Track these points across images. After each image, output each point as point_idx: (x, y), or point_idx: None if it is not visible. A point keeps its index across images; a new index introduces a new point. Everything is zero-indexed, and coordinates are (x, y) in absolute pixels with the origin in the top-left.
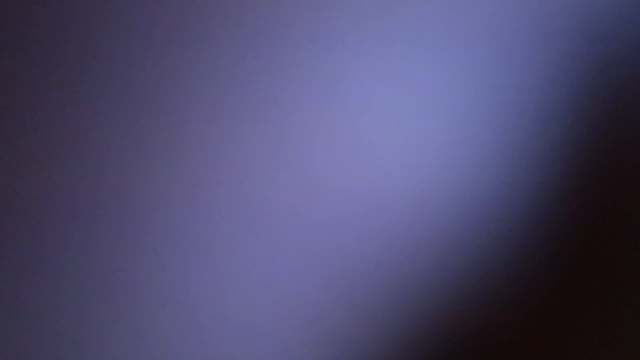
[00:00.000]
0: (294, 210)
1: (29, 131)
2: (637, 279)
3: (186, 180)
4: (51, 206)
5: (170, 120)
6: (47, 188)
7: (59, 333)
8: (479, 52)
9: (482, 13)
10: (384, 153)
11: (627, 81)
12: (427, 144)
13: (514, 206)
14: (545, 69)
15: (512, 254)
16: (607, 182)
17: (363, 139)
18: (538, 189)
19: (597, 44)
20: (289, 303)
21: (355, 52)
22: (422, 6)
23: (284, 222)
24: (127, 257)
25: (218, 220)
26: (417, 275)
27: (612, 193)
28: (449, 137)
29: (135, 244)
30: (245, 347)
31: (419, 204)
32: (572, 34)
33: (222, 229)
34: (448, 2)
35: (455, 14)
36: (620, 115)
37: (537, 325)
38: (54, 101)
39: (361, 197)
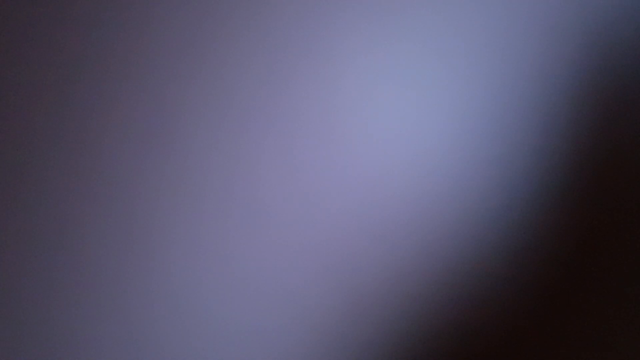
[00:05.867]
0: (294, 211)
1: (31, 132)
2: (637, 278)
3: (187, 183)
4: (51, 207)
5: (171, 122)
6: (47, 189)
7: (56, 333)
8: (479, 51)
9: (483, 13)
10: (385, 153)
11: (626, 81)
12: (427, 144)
13: (514, 205)
14: (545, 69)
15: (512, 253)
16: (606, 182)
17: (364, 139)
18: (537, 188)
19: (597, 44)
20: (289, 303)
21: (357, 53)
22: (423, 6)
23: (285, 223)
24: (128, 258)
25: (219, 221)
26: (418, 275)
27: (611, 193)
28: (449, 136)
29: (136, 246)
30: (246, 348)
31: (420, 204)
32: (572, 34)
33: (223, 230)
34: (448, 3)
35: (455, 14)
36: (620, 116)
37: (537, 324)
38: (57, 102)
39: (363, 197)
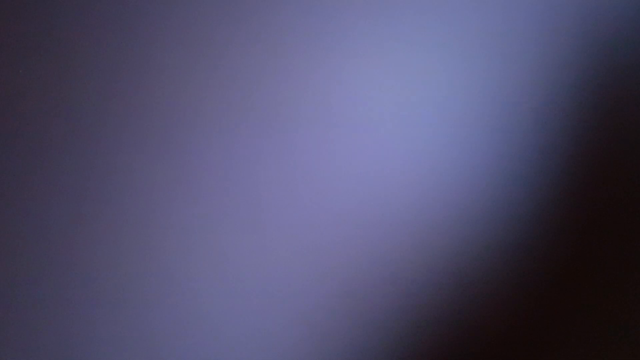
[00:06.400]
0: (294, 210)
1: (29, 131)
2: (637, 278)
3: (187, 181)
4: (52, 206)
5: (169, 121)
6: (48, 188)
7: (58, 333)
8: (478, 52)
9: (482, 13)
10: (385, 153)
11: (626, 81)
12: (426, 143)
13: (513, 205)
14: (544, 69)
15: (511, 253)
16: (605, 182)
17: (363, 138)
18: (537, 189)
19: (596, 43)
20: (290, 305)
21: (355, 52)
22: (421, 8)
23: (285, 224)
24: (129, 258)
25: (218, 223)
26: (417, 275)
27: (610, 193)
28: (448, 136)
29: (136, 246)
30: (246, 351)
31: (418, 203)
32: (572, 34)
33: (223, 229)
34: (447, 4)
35: (454, 15)
36: (619, 116)
37: (538, 324)
38: (58, 102)
39: (362, 197)
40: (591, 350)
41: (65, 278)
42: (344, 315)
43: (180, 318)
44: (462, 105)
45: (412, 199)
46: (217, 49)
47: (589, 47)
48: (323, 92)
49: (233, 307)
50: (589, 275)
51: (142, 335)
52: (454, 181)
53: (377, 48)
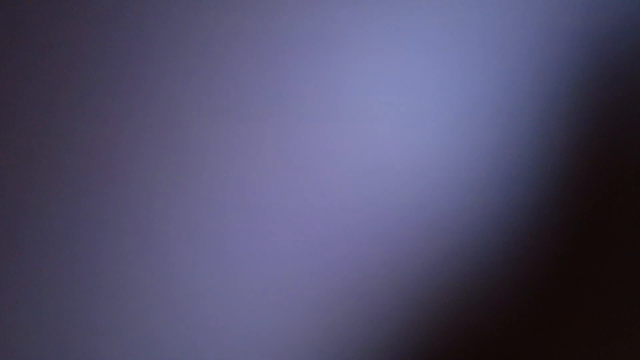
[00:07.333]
0: (295, 208)
1: (31, 133)
2: (636, 277)
3: (187, 178)
4: (53, 206)
5: (171, 119)
6: (48, 188)
7: (59, 331)
8: (479, 50)
9: (482, 12)
10: (385, 150)
11: (625, 80)
12: (425, 142)
13: (513, 203)
14: (543, 67)
15: (512, 251)
16: (605, 181)
17: (363, 136)
18: (536, 188)
19: (596, 42)
20: (290, 302)
21: (357, 52)
22: (422, 7)
23: (286, 221)
24: (129, 257)
25: (219, 218)
26: (417, 272)
27: (609, 191)
28: (448, 135)
29: (137, 244)
30: (246, 349)
31: (418, 200)
32: (571, 32)
33: (223, 227)
34: (448, 2)
35: (455, 14)
36: (619, 114)
37: (535, 323)
38: (55, 102)
39: (362, 196)
40: (591, 350)
41: (64, 279)
42: (344, 314)
43: (181, 318)
44: (462, 104)
45: (412, 196)
46: (217, 47)
47: (588, 46)
48: (324, 90)
49: (234, 306)
50: (588, 275)
51: (142, 336)
52: (453, 179)
53: (378, 47)
